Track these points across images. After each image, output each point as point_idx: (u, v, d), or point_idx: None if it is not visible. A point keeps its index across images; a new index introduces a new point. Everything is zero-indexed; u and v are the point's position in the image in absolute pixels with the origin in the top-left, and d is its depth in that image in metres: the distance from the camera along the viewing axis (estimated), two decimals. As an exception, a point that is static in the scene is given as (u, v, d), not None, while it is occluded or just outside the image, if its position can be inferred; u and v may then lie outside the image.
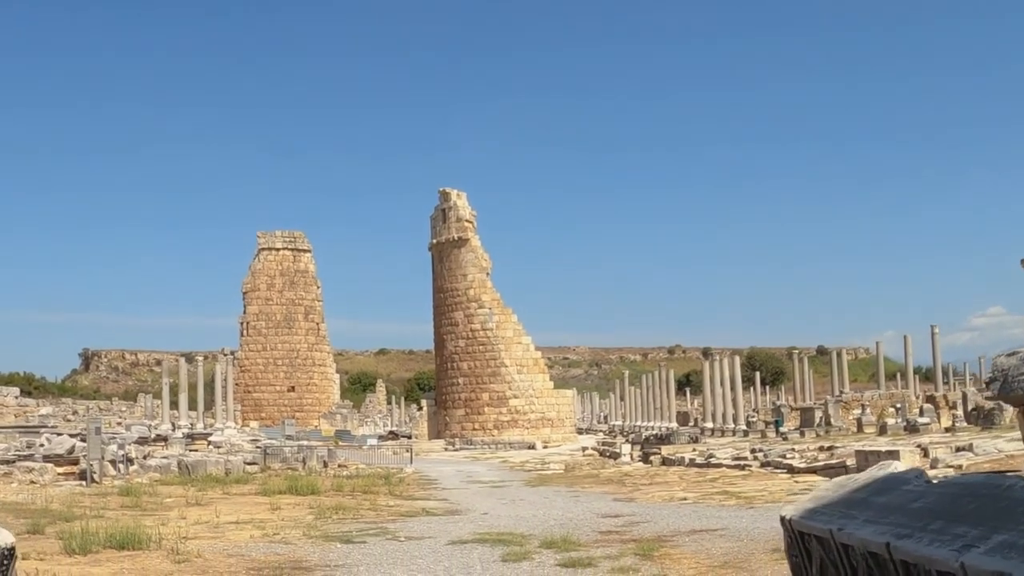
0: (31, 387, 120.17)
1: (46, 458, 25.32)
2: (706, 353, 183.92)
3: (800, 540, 4.37)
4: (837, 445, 28.96)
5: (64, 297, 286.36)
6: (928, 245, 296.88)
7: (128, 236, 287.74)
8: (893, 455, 22.03)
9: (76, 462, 25.88)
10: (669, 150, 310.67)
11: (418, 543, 12.52)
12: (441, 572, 10.10)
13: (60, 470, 25.42)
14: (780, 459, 27.74)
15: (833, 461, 25.05)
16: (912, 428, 34.27)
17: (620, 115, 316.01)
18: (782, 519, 4.72)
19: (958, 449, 23.68)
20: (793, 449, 29.79)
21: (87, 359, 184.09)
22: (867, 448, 23.96)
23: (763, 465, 28.23)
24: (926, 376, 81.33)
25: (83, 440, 26.56)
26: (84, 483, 24.28)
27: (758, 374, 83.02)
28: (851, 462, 23.99)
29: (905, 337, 54.62)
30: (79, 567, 10.41)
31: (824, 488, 4.86)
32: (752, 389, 75.56)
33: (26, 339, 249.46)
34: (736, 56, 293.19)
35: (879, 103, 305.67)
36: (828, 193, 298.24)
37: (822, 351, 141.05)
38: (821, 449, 28.85)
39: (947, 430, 33.21)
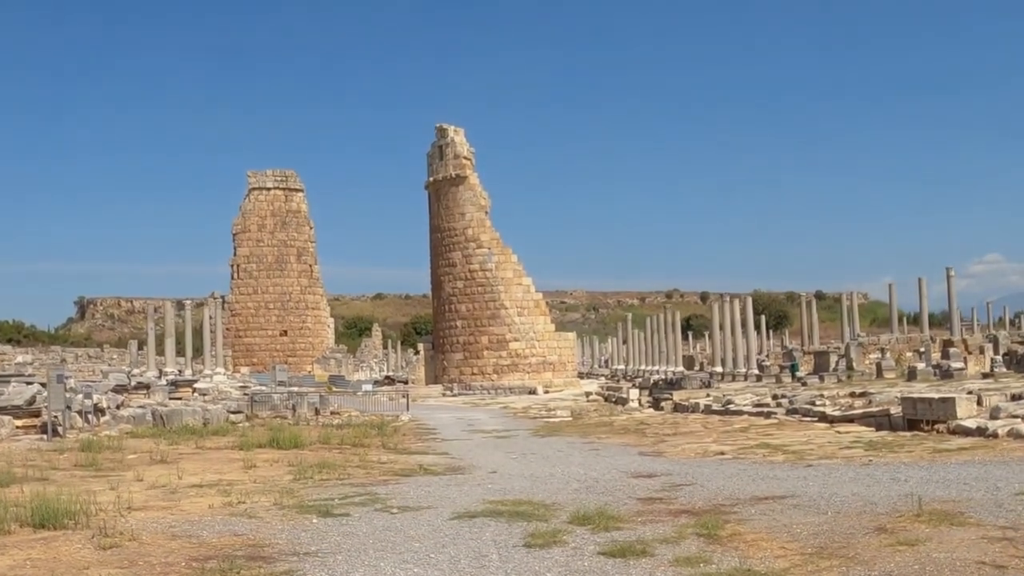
0: (20, 335, 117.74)
1: (3, 410, 22.79)
2: (704, 297, 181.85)
3: None
4: (870, 391, 26.52)
5: (62, 247, 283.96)
6: (924, 192, 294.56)
7: (129, 183, 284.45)
8: (947, 403, 19.64)
9: (38, 414, 23.37)
10: (667, 99, 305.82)
11: (415, 516, 9.97)
12: (445, 564, 7.59)
13: (19, 423, 22.91)
14: (809, 406, 25.41)
15: (874, 409, 22.65)
16: (946, 373, 31.81)
17: (616, 58, 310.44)
18: None
19: (1014, 397, 21.23)
20: (822, 395, 27.42)
21: (83, 307, 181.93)
22: (915, 395, 21.49)
23: (789, 412, 25.92)
24: (915, 321, 79.09)
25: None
26: (45, 437, 21.84)
27: (763, 318, 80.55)
28: (895, 410, 21.62)
29: (920, 280, 52.50)
30: (-30, 556, 7.93)
31: None
32: (758, 333, 73.10)
33: (24, 289, 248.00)
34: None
35: (869, 55, 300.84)
36: (821, 142, 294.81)
37: (820, 296, 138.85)
38: (853, 395, 26.46)
39: (985, 376, 30.77)
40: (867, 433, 19.60)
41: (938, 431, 18.58)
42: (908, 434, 18.76)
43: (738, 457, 15.63)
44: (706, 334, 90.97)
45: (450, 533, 8.87)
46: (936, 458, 13.90)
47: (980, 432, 17.36)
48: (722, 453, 16.37)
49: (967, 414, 19.12)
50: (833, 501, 9.94)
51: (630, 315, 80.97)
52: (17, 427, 22.80)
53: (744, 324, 49.85)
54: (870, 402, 23.96)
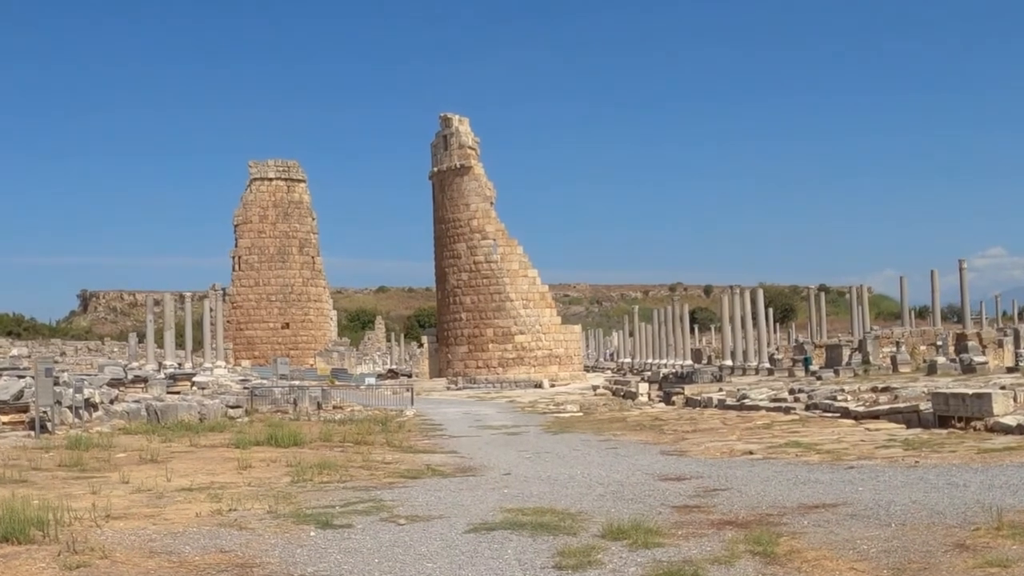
0: (20, 328, 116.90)
1: (-10, 405, 21.77)
2: (707, 291, 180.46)
3: None
4: (893, 386, 25.43)
5: (65, 240, 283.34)
6: (926, 186, 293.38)
7: (131, 175, 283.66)
8: (983, 399, 18.56)
9: (26, 409, 22.33)
10: (669, 92, 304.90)
11: (425, 528, 8.90)
12: (464, 589, 6.55)
13: (6, 419, 21.89)
14: (830, 401, 24.33)
15: (901, 405, 21.58)
16: (968, 368, 30.71)
17: (619, 51, 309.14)
18: None
19: (1051, 392, 20.11)
20: (842, 390, 26.34)
21: (85, 300, 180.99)
22: (946, 391, 20.38)
23: (808, 408, 24.85)
24: (920, 314, 77.96)
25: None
26: (33, 434, 20.82)
27: (770, 311, 79.34)
28: (924, 406, 20.53)
29: (932, 272, 51.21)
30: (-86, 579, 6.90)
31: None
32: (767, 326, 71.86)
33: (27, 282, 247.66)
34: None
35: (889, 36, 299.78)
36: (819, 137, 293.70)
37: (823, 289, 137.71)
38: (875, 390, 25.36)
39: (1010, 370, 29.68)
40: (899, 431, 18.54)
41: (975, 428, 17.52)
42: (943, 432, 17.70)
43: (769, 457, 14.56)
44: (712, 327, 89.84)
45: (467, 550, 7.79)
46: (987, 459, 12.83)
47: (1021, 430, 16.30)
48: (751, 452, 15.30)
49: (1004, 411, 18.05)
50: (893, 510, 8.87)
51: (636, 308, 79.90)
52: (4, 423, 21.80)
53: (755, 317, 48.79)
54: (895, 397, 22.91)
